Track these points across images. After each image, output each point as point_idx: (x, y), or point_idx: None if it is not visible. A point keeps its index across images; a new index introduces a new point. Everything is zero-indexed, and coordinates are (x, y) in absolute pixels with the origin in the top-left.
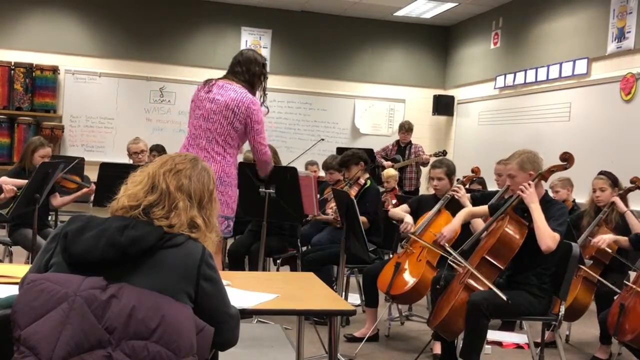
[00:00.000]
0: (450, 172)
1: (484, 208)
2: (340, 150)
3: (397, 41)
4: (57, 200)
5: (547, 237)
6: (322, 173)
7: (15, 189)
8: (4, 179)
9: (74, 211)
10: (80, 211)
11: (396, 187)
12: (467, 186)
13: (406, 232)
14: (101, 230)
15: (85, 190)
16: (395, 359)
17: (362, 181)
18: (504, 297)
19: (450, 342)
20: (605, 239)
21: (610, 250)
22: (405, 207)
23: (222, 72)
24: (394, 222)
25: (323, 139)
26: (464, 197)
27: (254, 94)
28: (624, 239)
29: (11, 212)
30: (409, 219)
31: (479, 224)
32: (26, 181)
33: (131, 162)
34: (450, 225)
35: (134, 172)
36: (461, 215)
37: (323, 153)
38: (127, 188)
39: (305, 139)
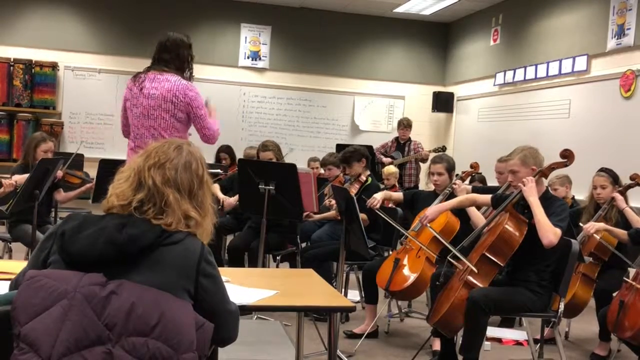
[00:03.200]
0: (450, 167)
1: (486, 197)
2: (339, 147)
3: (397, 38)
4: (61, 195)
5: (549, 232)
6: (322, 170)
7: (14, 183)
8: (16, 176)
9: (74, 208)
10: (80, 208)
11: (396, 184)
12: (466, 182)
13: (371, 206)
14: (100, 229)
15: (88, 185)
16: (395, 356)
17: (363, 178)
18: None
19: (449, 338)
20: (595, 225)
21: (598, 237)
22: (399, 195)
23: (222, 69)
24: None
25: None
26: (462, 192)
27: (184, 78)
28: (621, 232)
29: (10, 208)
30: (378, 195)
31: (479, 221)
32: (14, 181)
33: None
34: (437, 207)
35: (121, 166)
36: (457, 200)
37: (323, 150)
38: (114, 186)
39: (304, 135)
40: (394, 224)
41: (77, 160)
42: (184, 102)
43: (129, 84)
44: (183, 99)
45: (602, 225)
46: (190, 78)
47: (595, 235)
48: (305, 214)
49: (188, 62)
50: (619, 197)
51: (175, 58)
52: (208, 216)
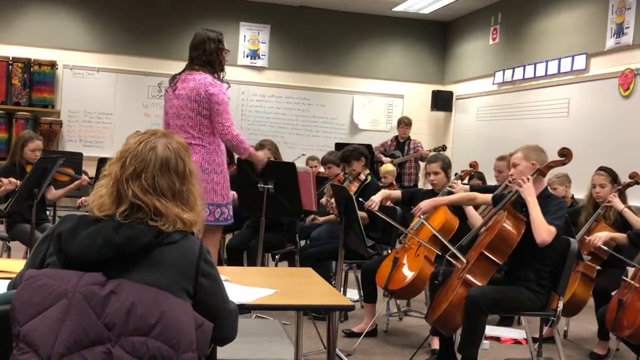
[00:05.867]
0: (446, 165)
1: (487, 196)
2: (338, 146)
3: (396, 37)
4: (52, 193)
5: (543, 230)
6: (322, 169)
7: (16, 181)
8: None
9: (73, 207)
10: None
11: (394, 182)
12: (465, 181)
13: (370, 208)
14: (97, 230)
15: (77, 182)
16: (394, 354)
17: (362, 177)
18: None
19: (448, 337)
20: (600, 236)
21: (606, 248)
22: (398, 193)
23: None
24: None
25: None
26: (460, 191)
27: (216, 72)
28: (621, 236)
29: (9, 207)
30: (376, 197)
31: (476, 220)
32: (17, 181)
33: None
34: (432, 200)
35: (103, 169)
36: (458, 196)
37: (322, 149)
38: (95, 194)
39: (303, 134)
40: (392, 223)
41: (76, 159)
42: (206, 99)
43: (167, 87)
44: (205, 95)
45: (606, 234)
46: (221, 74)
47: (603, 246)
48: (310, 217)
49: (217, 55)
50: (615, 200)
51: (202, 54)
52: (197, 206)
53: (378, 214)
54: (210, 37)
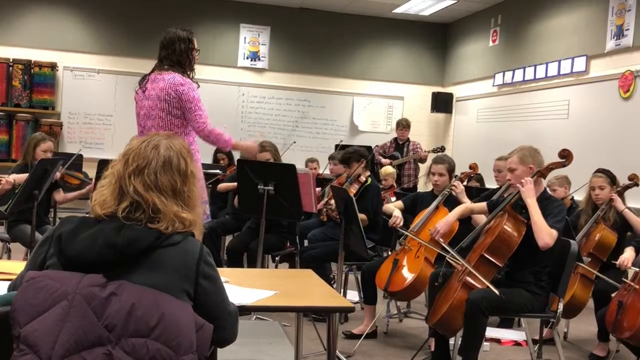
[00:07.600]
0: (451, 168)
1: (482, 205)
2: (338, 147)
3: (396, 38)
4: (60, 196)
5: (545, 233)
6: (321, 170)
7: (13, 181)
8: (14, 176)
9: (74, 208)
10: (80, 208)
11: (394, 184)
12: (464, 183)
13: (395, 226)
14: (97, 231)
15: (88, 187)
16: (394, 356)
17: (362, 179)
18: (497, 293)
19: (444, 339)
20: (627, 258)
21: (636, 269)
22: (399, 203)
23: (221, 69)
24: (385, 217)
25: (295, 142)
26: (462, 193)
27: (185, 72)
28: (632, 253)
29: (9, 208)
30: (397, 213)
31: (481, 219)
32: (13, 179)
33: None
34: (445, 219)
35: (105, 169)
36: (458, 211)
37: (322, 150)
38: (97, 193)
39: (303, 136)
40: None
41: (76, 160)
42: (176, 98)
43: (136, 88)
44: (175, 95)
45: (632, 255)
46: (191, 74)
47: (633, 267)
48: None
49: (187, 55)
50: (617, 199)
51: (172, 53)
52: (197, 208)
53: (402, 230)
54: (181, 36)
